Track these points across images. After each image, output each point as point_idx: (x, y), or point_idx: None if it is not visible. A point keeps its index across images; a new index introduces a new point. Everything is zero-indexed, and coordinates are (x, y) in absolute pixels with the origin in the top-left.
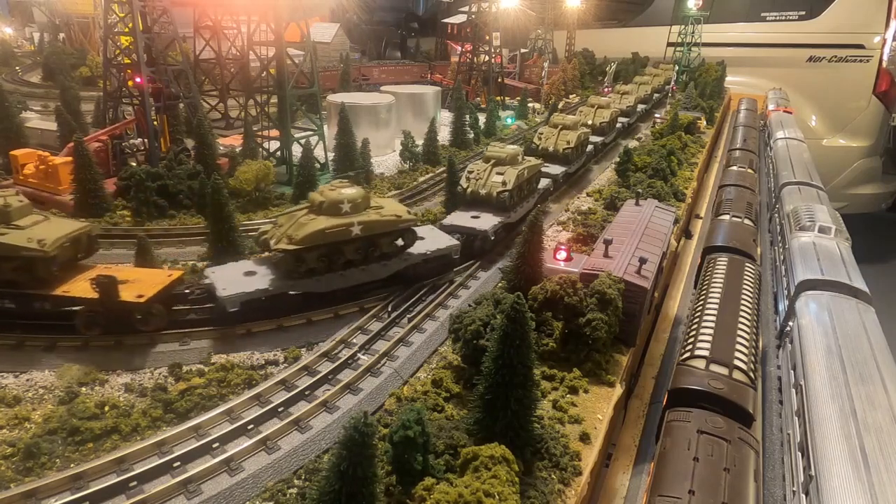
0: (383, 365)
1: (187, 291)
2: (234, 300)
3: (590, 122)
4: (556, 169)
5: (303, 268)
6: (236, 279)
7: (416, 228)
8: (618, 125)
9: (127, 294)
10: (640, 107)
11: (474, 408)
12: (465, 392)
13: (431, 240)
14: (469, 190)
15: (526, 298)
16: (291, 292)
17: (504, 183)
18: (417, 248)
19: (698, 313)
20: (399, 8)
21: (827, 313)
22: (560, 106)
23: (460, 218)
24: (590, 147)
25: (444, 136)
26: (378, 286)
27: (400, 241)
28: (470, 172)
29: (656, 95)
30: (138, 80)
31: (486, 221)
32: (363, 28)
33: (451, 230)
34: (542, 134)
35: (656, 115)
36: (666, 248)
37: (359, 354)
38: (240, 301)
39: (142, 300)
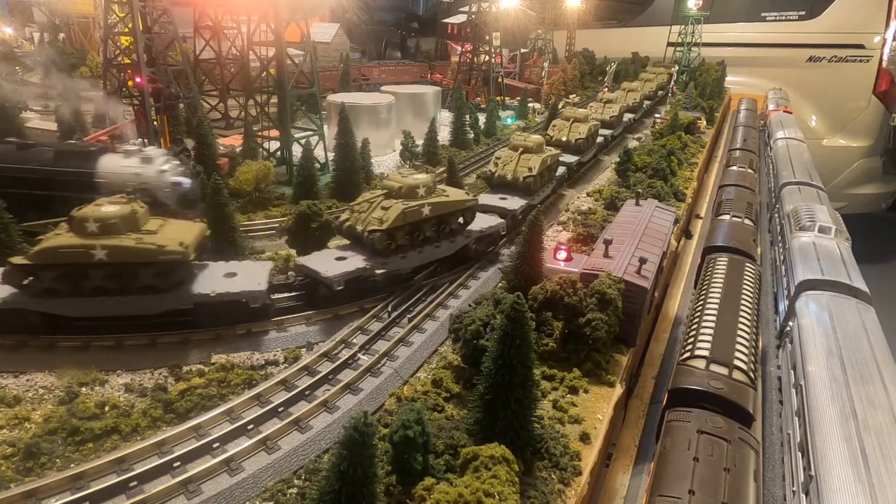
0: (383, 365)
1: None
2: None
3: (564, 139)
4: (514, 203)
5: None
6: None
7: (248, 262)
8: (599, 139)
9: None
10: (628, 116)
11: (474, 408)
12: (465, 392)
13: (243, 278)
14: (346, 224)
15: (526, 298)
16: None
17: (381, 220)
18: (202, 289)
19: (698, 313)
20: (399, 8)
21: (827, 313)
22: (560, 106)
23: (321, 258)
24: (562, 170)
25: (444, 136)
26: (176, 324)
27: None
28: (358, 204)
29: (647, 103)
30: (138, 80)
31: (345, 266)
32: (363, 28)
33: (298, 270)
34: (499, 159)
35: (656, 116)
36: (666, 248)
37: (359, 354)
38: None
39: None
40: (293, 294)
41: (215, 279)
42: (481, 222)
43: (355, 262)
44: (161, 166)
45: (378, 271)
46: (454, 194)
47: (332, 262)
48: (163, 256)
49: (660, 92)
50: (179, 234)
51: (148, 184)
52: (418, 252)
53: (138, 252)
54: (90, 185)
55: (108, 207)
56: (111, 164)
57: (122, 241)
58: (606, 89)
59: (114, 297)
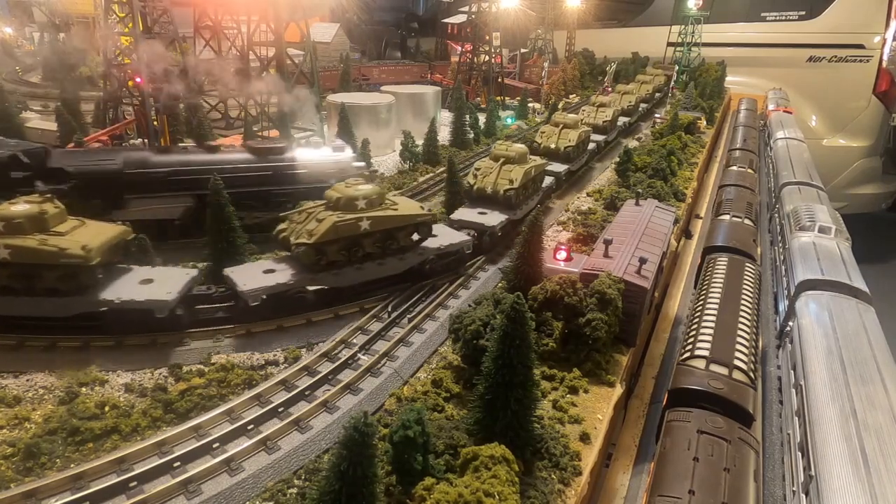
0: (383, 365)
1: None
2: None
3: (552, 147)
4: (493, 218)
5: None
6: None
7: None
8: (591, 145)
9: None
10: (623, 120)
11: (474, 408)
12: (465, 392)
13: (156, 286)
14: (281, 235)
15: (526, 298)
16: None
17: (311, 234)
18: (110, 295)
19: (698, 313)
20: (399, 8)
21: (827, 313)
22: (560, 106)
23: (249, 269)
24: (550, 180)
25: (444, 136)
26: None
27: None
28: (298, 213)
29: (643, 106)
30: (138, 80)
31: (266, 280)
32: (363, 28)
33: (224, 281)
34: (478, 170)
35: (656, 116)
36: (666, 248)
37: (359, 355)
38: None
39: None
40: (219, 306)
41: (128, 285)
42: (443, 239)
43: (281, 276)
44: (350, 154)
45: (309, 288)
46: (405, 208)
47: (258, 274)
48: (64, 259)
49: (657, 94)
50: (89, 237)
51: (345, 170)
52: (356, 269)
53: (39, 253)
54: (293, 177)
55: (17, 206)
56: (311, 157)
57: (25, 241)
58: (607, 89)
59: (20, 298)
